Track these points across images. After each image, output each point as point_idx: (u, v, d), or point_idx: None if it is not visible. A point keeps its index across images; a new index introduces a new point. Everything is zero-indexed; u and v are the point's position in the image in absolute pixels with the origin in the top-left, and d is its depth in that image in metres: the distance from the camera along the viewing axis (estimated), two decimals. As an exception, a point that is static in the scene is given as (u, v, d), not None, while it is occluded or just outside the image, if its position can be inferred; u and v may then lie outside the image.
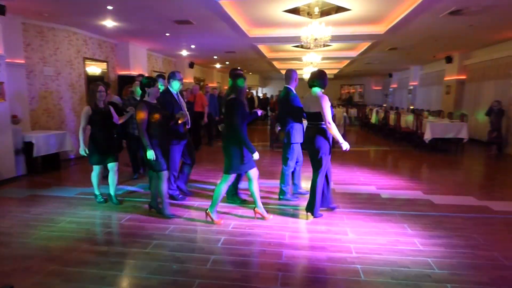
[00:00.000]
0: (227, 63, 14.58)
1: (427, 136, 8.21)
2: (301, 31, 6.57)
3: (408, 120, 9.85)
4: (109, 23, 7.00)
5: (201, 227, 3.68)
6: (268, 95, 21.99)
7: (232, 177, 3.70)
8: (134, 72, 9.39)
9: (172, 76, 4.39)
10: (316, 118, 3.78)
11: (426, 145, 8.55)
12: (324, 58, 12.30)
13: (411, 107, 13.87)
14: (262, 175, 6.02)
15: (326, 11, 6.62)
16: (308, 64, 11.80)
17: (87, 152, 4.26)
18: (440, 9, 5.82)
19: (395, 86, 19.03)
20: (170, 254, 3.07)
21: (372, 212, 4.13)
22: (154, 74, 11.33)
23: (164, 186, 3.83)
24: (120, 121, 4.53)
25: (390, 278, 2.68)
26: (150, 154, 3.68)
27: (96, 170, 4.40)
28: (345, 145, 3.76)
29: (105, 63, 8.84)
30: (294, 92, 4.48)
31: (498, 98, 8.78)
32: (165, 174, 3.83)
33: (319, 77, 3.82)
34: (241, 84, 3.63)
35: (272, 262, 2.93)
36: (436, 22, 6.70)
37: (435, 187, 5.30)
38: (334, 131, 3.68)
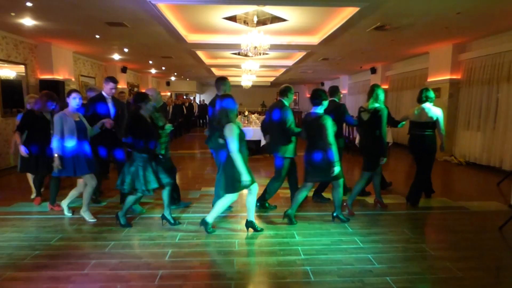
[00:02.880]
0: (163, 68, 14.13)
1: (358, 141, 8.86)
2: (240, 39, 6.65)
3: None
4: (28, 21, 6.30)
5: (145, 241, 3.47)
6: (206, 102, 21.88)
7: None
8: (58, 76, 8.57)
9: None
10: (428, 126, 4.54)
11: (357, 148, 9.20)
12: (261, 66, 12.60)
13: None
14: (207, 183, 5.94)
15: (263, 21, 6.81)
16: (246, 72, 11.99)
17: None
18: (366, 24, 6.38)
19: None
20: (112, 273, 2.83)
21: (315, 214, 4.30)
22: (82, 79, 10.51)
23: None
24: None
25: (337, 276, 2.81)
26: None
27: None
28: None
29: (23, 66, 7.92)
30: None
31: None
32: None
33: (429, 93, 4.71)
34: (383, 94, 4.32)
35: (223, 272, 2.88)
36: (363, 35, 7.31)
37: (367, 187, 5.70)
38: (444, 137, 4.61)
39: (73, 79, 9.37)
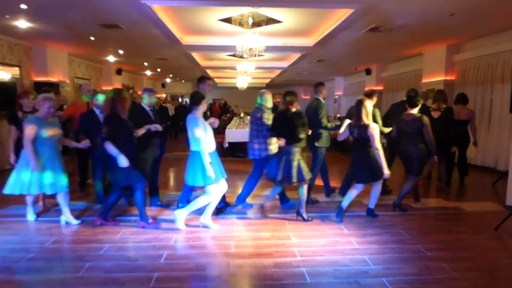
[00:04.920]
0: (159, 70, 14.11)
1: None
2: (236, 40, 6.65)
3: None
4: (22, 23, 6.26)
5: (140, 244, 3.44)
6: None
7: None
8: (52, 79, 8.52)
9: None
10: (465, 123, 5.59)
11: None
12: (257, 68, 12.61)
13: (338, 115, 14.92)
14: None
15: (258, 23, 6.82)
16: (242, 73, 11.99)
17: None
18: (361, 25, 6.41)
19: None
20: (107, 276, 2.80)
21: (311, 216, 4.29)
22: (77, 81, 10.45)
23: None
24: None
25: (333, 278, 2.81)
26: None
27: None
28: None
29: (18, 68, 7.87)
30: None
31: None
32: None
33: (465, 98, 5.69)
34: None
35: (220, 274, 2.86)
36: (358, 37, 7.35)
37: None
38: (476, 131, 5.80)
39: (67, 81, 9.33)
